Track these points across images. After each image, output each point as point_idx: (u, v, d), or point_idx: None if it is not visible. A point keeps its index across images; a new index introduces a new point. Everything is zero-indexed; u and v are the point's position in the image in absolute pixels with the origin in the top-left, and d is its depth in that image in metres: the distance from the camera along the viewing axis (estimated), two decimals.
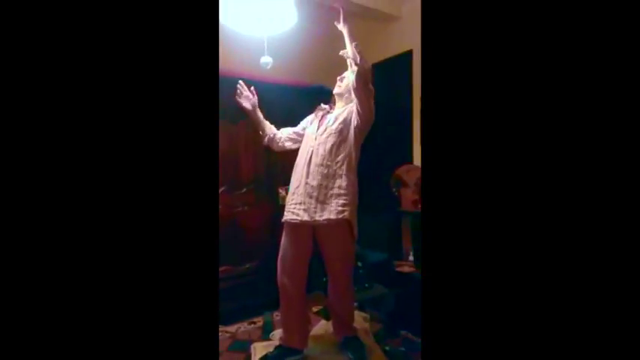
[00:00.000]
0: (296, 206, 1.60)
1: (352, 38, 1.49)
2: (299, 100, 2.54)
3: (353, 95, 1.55)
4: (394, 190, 2.55)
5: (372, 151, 3.01)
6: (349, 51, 1.49)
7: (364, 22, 2.76)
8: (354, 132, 1.60)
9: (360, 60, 1.46)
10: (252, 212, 2.54)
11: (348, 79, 1.70)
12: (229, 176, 2.47)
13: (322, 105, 1.80)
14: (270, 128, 1.87)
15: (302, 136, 1.80)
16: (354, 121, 1.59)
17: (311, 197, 1.56)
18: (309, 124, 1.78)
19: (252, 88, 1.82)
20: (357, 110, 1.56)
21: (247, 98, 1.83)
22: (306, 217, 1.56)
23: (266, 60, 1.72)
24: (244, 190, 2.53)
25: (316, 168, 1.58)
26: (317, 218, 1.54)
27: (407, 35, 2.57)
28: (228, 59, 2.37)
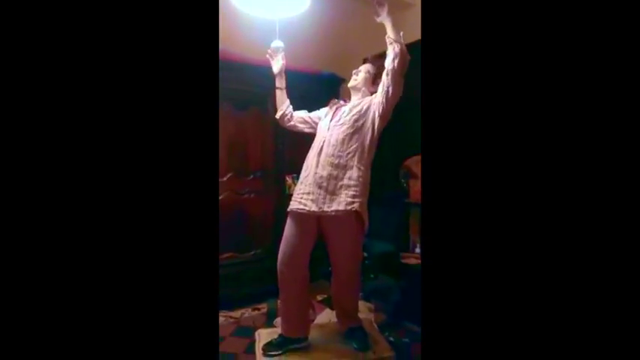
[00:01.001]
0: (303, 196, 1.58)
1: (397, 28, 1.50)
2: (310, 86, 2.51)
3: (385, 78, 1.51)
4: (403, 181, 2.52)
5: (382, 141, 2.99)
6: (393, 34, 1.48)
7: (365, 9, 2.71)
8: (374, 122, 1.57)
9: (403, 49, 1.46)
10: (259, 199, 2.53)
11: (363, 72, 1.68)
12: (237, 163, 2.47)
13: (335, 99, 1.78)
14: (287, 105, 1.83)
15: (315, 122, 1.77)
16: (377, 110, 1.55)
17: (320, 187, 1.54)
18: (323, 115, 1.76)
19: (282, 54, 1.77)
20: (384, 96, 1.52)
21: (277, 62, 1.78)
22: (314, 208, 1.54)
23: (277, 44, 1.69)
24: (251, 176, 2.53)
25: (327, 158, 1.55)
26: (325, 209, 1.52)
27: (418, 24, 2.51)
28: (239, 43, 2.35)
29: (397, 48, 1.47)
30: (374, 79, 1.67)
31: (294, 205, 1.61)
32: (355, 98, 1.69)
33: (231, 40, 2.27)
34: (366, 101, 1.61)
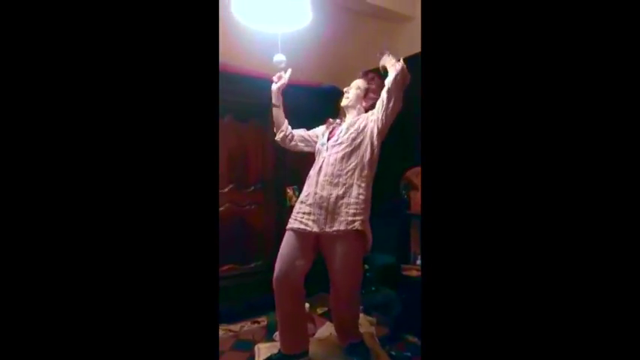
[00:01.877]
0: (304, 216, 1.57)
1: (396, 56, 1.55)
2: (310, 99, 2.52)
3: (384, 94, 1.51)
4: (404, 192, 2.52)
5: (382, 153, 2.99)
6: (392, 59, 1.52)
7: (377, 21, 2.74)
8: (372, 139, 1.57)
9: (404, 67, 1.49)
10: (260, 211, 2.53)
11: (354, 89, 1.68)
12: (237, 174, 2.47)
13: (331, 119, 1.78)
14: (286, 125, 1.82)
15: (314, 141, 1.77)
16: (375, 127, 1.56)
17: (321, 208, 1.53)
18: (320, 135, 1.75)
19: (289, 73, 1.77)
20: (383, 113, 1.52)
21: (281, 81, 1.76)
22: (315, 229, 1.53)
23: (279, 58, 1.70)
24: (252, 188, 2.52)
25: (326, 178, 1.55)
26: (327, 229, 1.51)
27: (418, 37, 2.53)
28: (241, 56, 2.37)
29: (399, 66, 1.48)
30: (365, 94, 1.68)
31: (294, 224, 1.59)
32: (350, 116, 1.68)
33: (233, 53, 2.29)
34: (362, 118, 1.61)
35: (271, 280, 1.59)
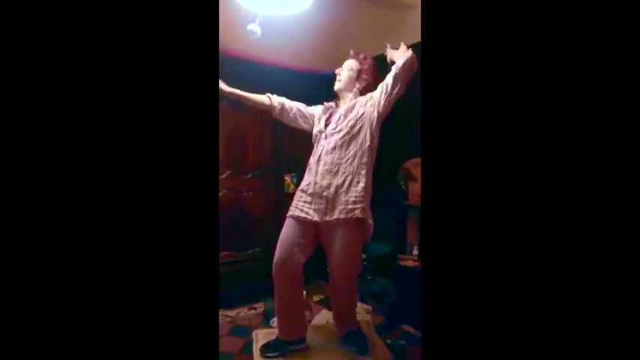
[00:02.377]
0: (305, 204, 1.56)
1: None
2: (310, 86, 2.49)
3: (389, 78, 1.48)
4: (402, 183, 2.52)
5: (381, 143, 2.98)
6: (403, 47, 1.49)
7: (380, 9, 2.69)
8: (372, 124, 1.54)
9: (414, 56, 1.45)
10: (257, 198, 2.52)
11: (346, 70, 1.64)
12: (235, 161, 2.45)
13: (326, 103, 1.71)
14: (272, 99, 1.72)
15: (312, 120, 1.72)
16: (375, 111, 1.53)
17: (321, 197, 1.52)
18: (317, 120, 1.69)
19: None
20: (385, 96, 1.50)
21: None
22: (316, 217, 1.52)
23: (253, 28, 1.57)
24: (250, 175, 2.51)
25: (326, 167, 1.53)
26: (327, 218, 1.51)
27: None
28: (239, 40, 2.32)
29: (409, 53, 1.45)
30: (358, 75, 1.63)
31: (295, 211, 1.58)
32: (346, 100, 1.64)
33: (231, 37, 2.25)
34: (360, 103, 1.58)
35: (269, 267, 1.59)
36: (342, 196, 1.50)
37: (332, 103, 1.69)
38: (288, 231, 1.59)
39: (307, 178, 1.61)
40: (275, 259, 1.57)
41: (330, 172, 1.52)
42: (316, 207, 1.53)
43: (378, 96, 1.52)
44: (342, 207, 1.49)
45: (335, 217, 1.49)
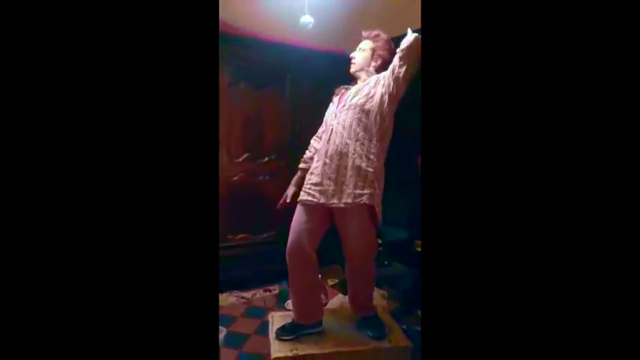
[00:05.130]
0: (312, 187, 1.53)
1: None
2: (332, 67, 2.43)
3: (396, 59, 1.42)
4: (419, 166, 2.47)
5: (398, 128, 2.92)
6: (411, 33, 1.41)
7: None
8: (383, 105, 1.48)
9: (419, 38, 1.37)
10: (274, 182, 2.50)
11: (361, 50, 1.60)
12: (252, 144, 2.43)
13: (341, 85, 1.68)
14: (302, 168, 1.74)
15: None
16: (386, 93, 1.46)
17: (329, 179, 1.48)
18: (331, 105, 1.69)
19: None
20: (393, 79, 1.43)
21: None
22: (322, 200, 1.49)
23: (306, 19, 1.60)
24: (266, 159, 2.49)
25: (335, 147, 1.49)
26: (334, 201, 1.47)
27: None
28: (261, 20, 2.27)
29: (413, 35, 1.36)
30: (372, 53, 1.58)
31: (303, 195, 1.57)
32: (360, 80, 1.60)
33: (253, 18, 2.20)
34: (371, 82, 1.51)
35: (284, 250, 1.59)
36: (351, 179, 1.46)
37: (346, 86, 1.65)
38: (299, 216, 1.58)
39: (317, 159, 1.58)
40: (288, 244, 1.57)
41: (340, 153, 1.48)
42: (323, 189, 1.50)
43: (387, 77, 1.46)
44: (349, 191, 1.46)
45: (343, 201, 1.46)
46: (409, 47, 1.36)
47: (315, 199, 1.51)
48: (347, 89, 1.62)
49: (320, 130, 1.73)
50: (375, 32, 1.61)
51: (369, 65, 1.59)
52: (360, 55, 1.59)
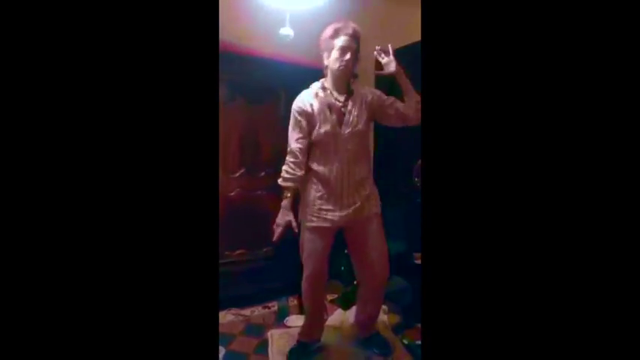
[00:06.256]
0: (326, 212, 1.49)
1: (410, 85, 1.48)
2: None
3: (401, 108, 1.50)
4: (416, 180, 2.47)
5: (394, 140, 2.93)
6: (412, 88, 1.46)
7: (384, 4, 2.64)
8: (372, 121, 1.54)
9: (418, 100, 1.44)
10: (271, 197, 2.49)
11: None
12: (248, 159, 2.43)
13: (329, 101, 1.50)
14: (285, 187, 1.55)
15: (311, 117, 1.51)
16: (392, 119, 1.53)
17: (342, 199, 1.48)
18: (321, 119, 1.47)
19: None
20: (386, 104, 1.51)
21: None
22: (341, 223, 1.50)
23: (286, 32, 1.59)
24: (263, 174, 2.49)
25: (343, 168, 1.46)
26: (353, 219, 1.49)
27: None
28: (256, 37, 2.30)
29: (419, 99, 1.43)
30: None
31: (317, 222, 1.49)
32: (342, 86, 1.49)
33: (248, 35, 2.22)
34: (364, 97, 1.50)
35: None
36: (361, 192, 1.47)
37: (334, 96, 1.50)
38: (313, 242, 1.51)
39: (325, 183, 1.49)
40: (309, 273, 1.53)
41: (349, 173, 1.46)
42: (340, 212, 1.48)
43: (382, 101, 1.50)
44: (363, 205, 1.48)
45: (361, 215, 1.46)
46: (414, 116, 1.45)
47: (333, 224, 1.49)
48: (342, 104, 1.51)
49: (318, 151, 1.54)
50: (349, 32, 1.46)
51: (347, 69, 1.47)
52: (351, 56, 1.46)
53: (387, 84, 1.62)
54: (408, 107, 1.46)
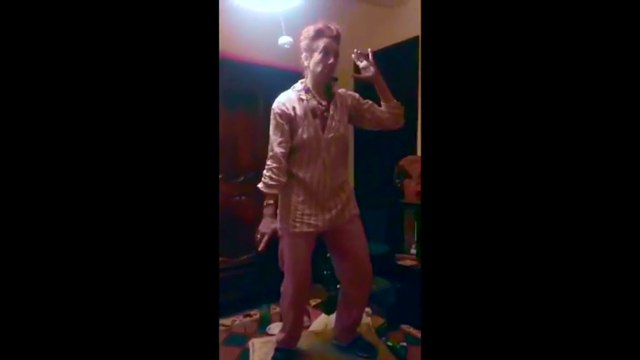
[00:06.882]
0: (310, 217, 1.44)
1: (387, 90, 1.47)
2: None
3: (381, 112, 1.50)
4: (397, 181, 2.48)
5: (375, 141, 2.94)
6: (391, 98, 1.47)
7: (369, 5, 2.66)
8: (350, 125, 1.54)
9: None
10: (250, 202, 2.46)
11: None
12: (226, 164, 2.38)
13: (314, 106, 1.43)
14: (265, 192, 1.46)
15: (293, 119, 1.43)
16: (369, 123, 1.52)
17: (324, 205, 1.44)
18: (304, 125, 1.41)
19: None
20: (380, 120, 1.51)
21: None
22: (325, 227, 1.45)
23: (285, 40, 1.58)
24: (242, 179, 2.45)
25: (326, 174, 1.42)
26: (336, 223, 1.45)
27: (413, 21, 2.47)
28: (232, 39, 2.26)
29: (400, 110, 1.46)
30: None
31: (301, 227, 1.43)
32: (322, 89, 1.44)
33: (227, 37, 2.18)
34: (343, 97, 1.48)
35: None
36: (341, 196, 1.45)
37: (314, 103, 1.44)
38: (297, 250, 1.45)
39: (306, 188, 1.44)
40: (294, 279, 1.47)
41: (332, 178, 1.43)
42: (322, 216, 1.44)
43: (360, 105, 1.49)
44: (344, 208, 1.46)
45: (342, 220, 1.45)
46: (395, 123, 1.48)
47: (317, 229, 1.44)
48: (322, 107, 1.44)
49: (302, 155, 1.46)
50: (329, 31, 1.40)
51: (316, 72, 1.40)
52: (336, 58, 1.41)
53: (365, 86, 1.62)
54: (385, 112, 1.46)
